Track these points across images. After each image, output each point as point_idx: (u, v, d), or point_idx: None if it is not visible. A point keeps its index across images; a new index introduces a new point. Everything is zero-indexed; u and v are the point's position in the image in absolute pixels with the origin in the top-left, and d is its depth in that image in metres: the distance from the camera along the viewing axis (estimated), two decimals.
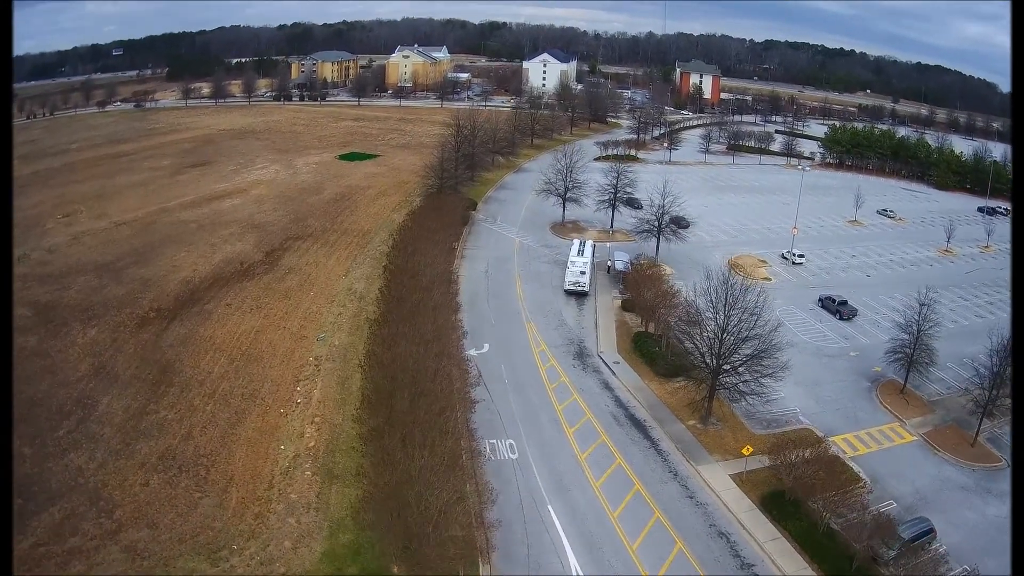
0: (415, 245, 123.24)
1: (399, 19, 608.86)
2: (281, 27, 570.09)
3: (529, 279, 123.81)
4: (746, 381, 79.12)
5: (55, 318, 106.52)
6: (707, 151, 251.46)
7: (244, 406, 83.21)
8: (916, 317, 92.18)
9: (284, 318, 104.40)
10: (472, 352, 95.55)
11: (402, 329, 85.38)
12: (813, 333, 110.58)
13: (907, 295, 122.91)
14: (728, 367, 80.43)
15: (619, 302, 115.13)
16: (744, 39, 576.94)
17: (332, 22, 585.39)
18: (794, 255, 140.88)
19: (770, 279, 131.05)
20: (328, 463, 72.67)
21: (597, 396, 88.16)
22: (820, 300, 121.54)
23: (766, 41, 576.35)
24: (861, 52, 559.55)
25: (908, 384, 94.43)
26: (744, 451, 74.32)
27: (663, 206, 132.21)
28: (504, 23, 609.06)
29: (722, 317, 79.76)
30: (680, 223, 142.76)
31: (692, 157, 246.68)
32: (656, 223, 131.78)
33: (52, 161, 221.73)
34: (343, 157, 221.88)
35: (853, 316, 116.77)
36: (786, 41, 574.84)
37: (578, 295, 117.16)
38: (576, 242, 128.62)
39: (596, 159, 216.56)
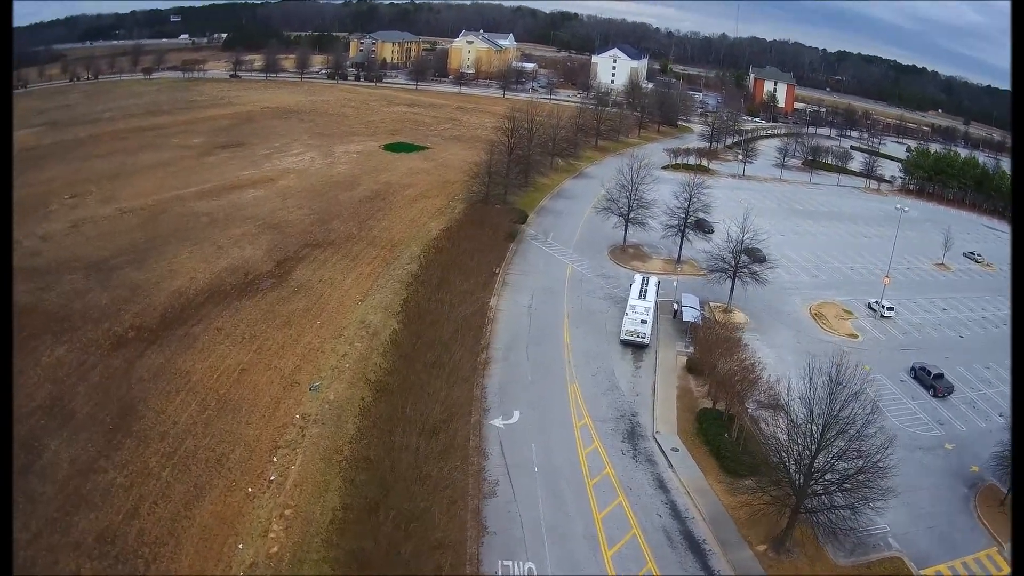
0: (446, 272, 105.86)
1: (468, 2, 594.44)
2: (346, 3, 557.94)
3: (579, 320, 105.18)
4: (839, 509, 60.98)
5: (27, 326, 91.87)
6: (783, 166, 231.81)
7: (206, 477, 67.02)
8: None
9: (278, 354, 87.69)
10: (498, 422, 77.48)
11: (406, 403, 68.22)
12: (905, 415, 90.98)
13: (1004, 366, 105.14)
14: (819, 489, 62.33)
15: (684, 360, 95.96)
16: (817, 48, 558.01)
17: (400, 2, 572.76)
18: (883, 307, 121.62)
19: (856, 336, 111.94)
20: None
21: (648, 500, 69.35)
22: (913, 370, 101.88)
23: (839, 52, 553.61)
24: (932, 70, 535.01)
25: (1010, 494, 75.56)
26: None
27: (741, 241, 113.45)
28: (575, 14, 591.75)
29: (818, 429, 61.71)
30: (756, 256, 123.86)
31: (767, 172, 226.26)
32: (732, 263, 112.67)
33: (80, 130, 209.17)
34: (388, 147, 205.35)
35: (949, 393, 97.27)
36: (859, 53, 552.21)
37: (636, 346, 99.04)
38: (638, 278, 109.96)
39: (664, 168, 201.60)
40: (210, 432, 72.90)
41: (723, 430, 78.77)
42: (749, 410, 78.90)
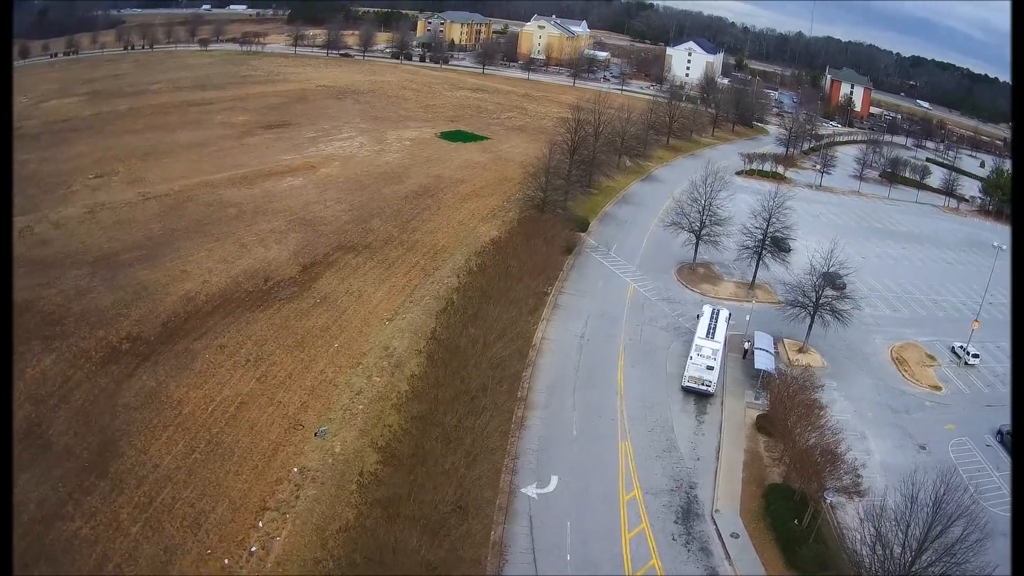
0: (486, 299, 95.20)
1: None
2: None
3: (637, 358, 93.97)
4: None
5: (19, 328, 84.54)
6: (861, 177, 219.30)
7: (180, 538, 58.39)
8: None
9: (284, 384, 78.38)
10: (530, 491, 67.04)
11: (414, 483, 58.49)
12: (989, 490, 77.91)
13: None
14: None
15: (754, 416, 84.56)
16: (892, 52, 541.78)
17: None
18: (967, 353, 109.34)
19: (940, 388, 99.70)
20: None
21: None
22: (1000, 434, 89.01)
23: (913, 57, 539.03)
24: (1004, 81, 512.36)
25: None
26: None
27: (823, 275, 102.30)
28: (651, 4, 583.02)
29: (910, 554, 51.38)
30: (835, 284, 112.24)
31: (844, 183, 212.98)
32: (813, 300, 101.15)
33: (122, 103, 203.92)
34: (445, 135, 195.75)
35: None
36: (933, 60, 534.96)
37: (699, 395, 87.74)
38: (707, 311, 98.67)
39: (738, 173, 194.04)
40: (193, 481, 64.22)
41: (793, 514, 67.42)
42: (828, 499, 67.67)
